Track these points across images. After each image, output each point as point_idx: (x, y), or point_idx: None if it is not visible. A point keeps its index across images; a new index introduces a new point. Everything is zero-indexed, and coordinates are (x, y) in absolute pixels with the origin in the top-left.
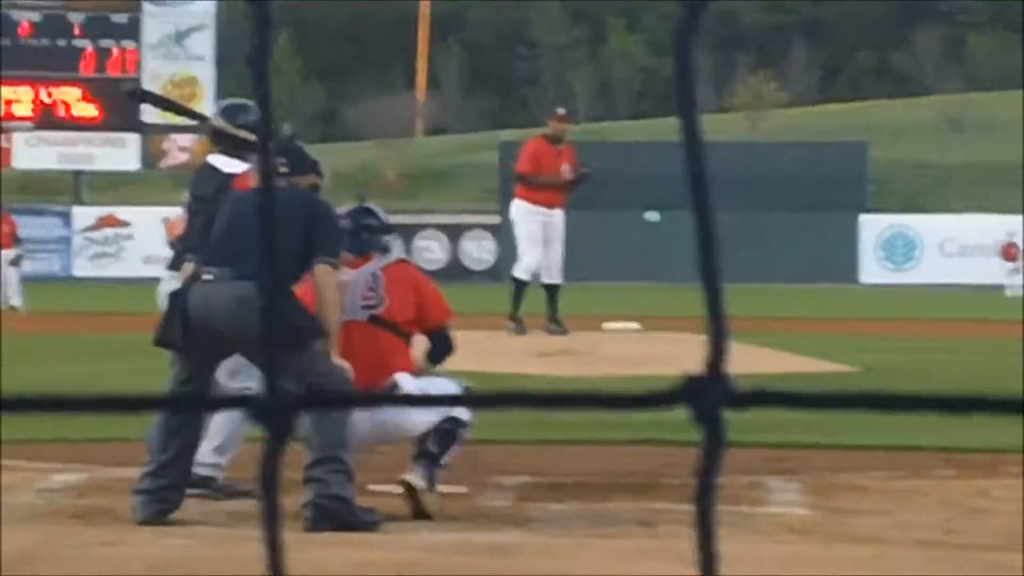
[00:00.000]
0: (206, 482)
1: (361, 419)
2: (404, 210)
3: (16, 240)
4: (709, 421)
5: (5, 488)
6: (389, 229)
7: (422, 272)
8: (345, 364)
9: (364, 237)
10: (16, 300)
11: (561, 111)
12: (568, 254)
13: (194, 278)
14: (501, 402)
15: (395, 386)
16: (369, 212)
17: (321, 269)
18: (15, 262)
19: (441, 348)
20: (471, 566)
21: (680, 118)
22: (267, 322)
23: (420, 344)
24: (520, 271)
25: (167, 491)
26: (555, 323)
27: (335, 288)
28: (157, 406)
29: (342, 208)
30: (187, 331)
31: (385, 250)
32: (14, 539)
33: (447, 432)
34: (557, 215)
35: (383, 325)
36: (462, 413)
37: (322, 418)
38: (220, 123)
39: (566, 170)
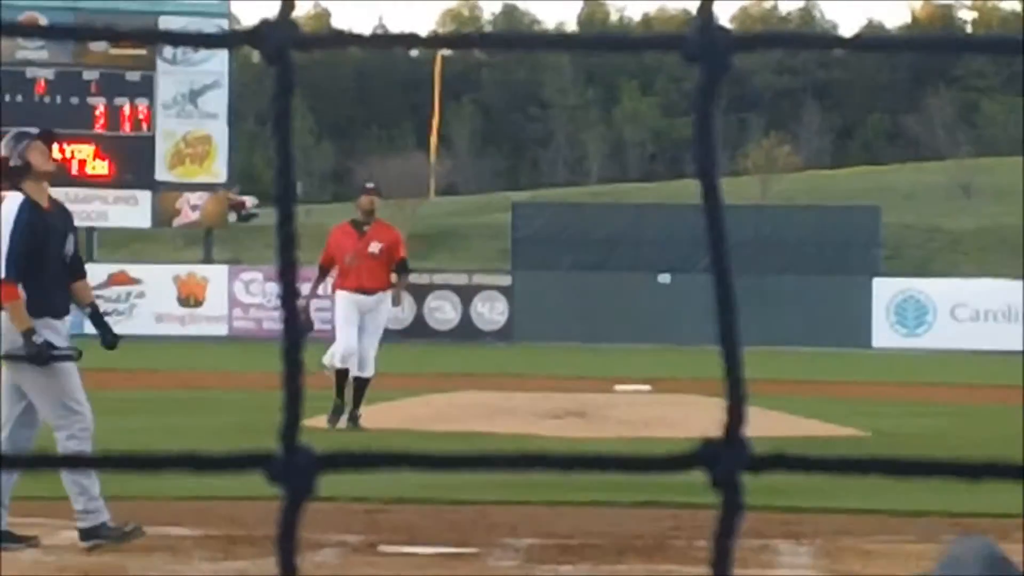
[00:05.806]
0: None
1: None
2: (415, 270)
3: None
4: (727, 485)
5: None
6: None
7: None
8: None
9: None
10: None
11: (369, 185)
12: (580, 316)
13: None
14: (523, 464)
15: None
16: None
17: None
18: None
19: None
20: None
21: (701, 184)
22: (289, 359)
23: None
24: (330, 358)
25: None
26: (352, 419)
27: None
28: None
29: None
30: None
31: None
32: None
33: None
34: (374, 301)
35: None
36: None
37: None
38: None
39: (375, 248)
